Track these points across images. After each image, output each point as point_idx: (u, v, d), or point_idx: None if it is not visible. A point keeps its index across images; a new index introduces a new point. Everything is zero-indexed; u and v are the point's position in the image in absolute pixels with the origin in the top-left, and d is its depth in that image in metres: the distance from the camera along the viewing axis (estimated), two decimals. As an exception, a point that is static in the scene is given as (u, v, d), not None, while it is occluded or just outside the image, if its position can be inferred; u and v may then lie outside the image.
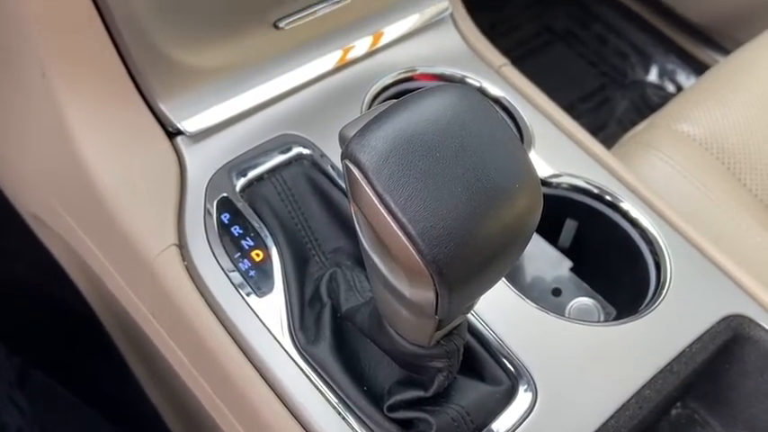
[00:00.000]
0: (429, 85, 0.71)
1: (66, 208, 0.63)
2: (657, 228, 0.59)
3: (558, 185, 0.63)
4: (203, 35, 0.57)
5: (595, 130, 1.55)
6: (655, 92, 1.55)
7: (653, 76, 1.56)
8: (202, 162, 0.58)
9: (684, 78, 1.55)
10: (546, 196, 0.62)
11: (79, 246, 0.64)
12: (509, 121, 0.67)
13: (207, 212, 0.56)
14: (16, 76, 0.57)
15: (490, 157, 0.34)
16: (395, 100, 0.40)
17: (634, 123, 1.56)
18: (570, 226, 0.65)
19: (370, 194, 0.33)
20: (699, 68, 1.53)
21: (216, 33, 0.58)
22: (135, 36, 0.53)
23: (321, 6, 0.63)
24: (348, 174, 0.34)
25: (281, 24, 0.61)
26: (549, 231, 0.64)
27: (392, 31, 0.69)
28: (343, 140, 0.37)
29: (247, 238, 0.55)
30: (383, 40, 0.69)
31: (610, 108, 1.53)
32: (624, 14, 1.60)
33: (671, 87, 1.55)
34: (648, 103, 1.54)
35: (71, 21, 0.51)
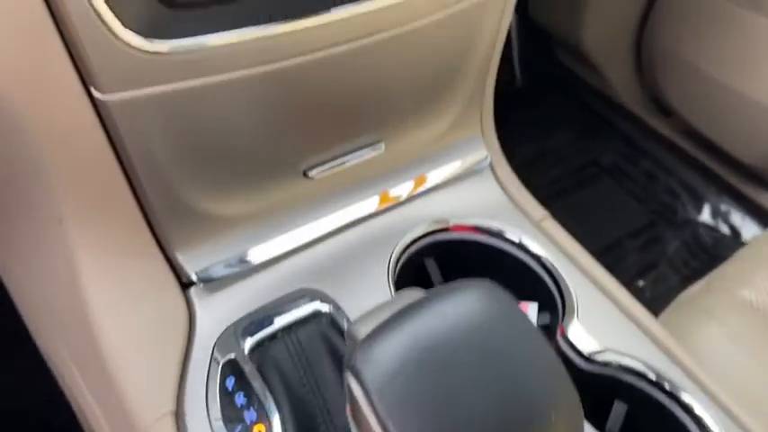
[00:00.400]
0: (464, 237, 0.67)
1: (70, 354, 0.59)
2: (722, 427, 0.51)
3: (605, 364, 0.56)
4: (228, 185, 0.55)
5: (645, 270, 1.47)
6: (708, 232, 1.47)
7: (705, 215, 1.50)
8: (214, 316, 0.55)
9: (739, 219, 1.48)
10: (592, 375, 0.55)
11: (78, 394, 0.59)
12: (550, 283, 0.62)
13: (210, 375, 0.51)
14: (32, 219, 0.55)
15: (519, 375, 0.29)
16: (414, 288, 0.36)
17: (686, 264, 1.47)
18: (619, 409, 0.57)
19: (372, 419, 0.28)
20: (754, 210, 1.46)
21: (241, 184, 0.56)
22: (157, 187, 0.51)
23: (353, 156, 0.61)
24: (349, 389, 0.29)
25: (311, 174, 0.59)
26: (595, 413, 0.56)
27: (426, 181, 0.67)
28: (352, 340, 0.32)
29: (251, 409, 0.50)
30: (416, 191, 0.66)
31: (661, 247, 1.46)
32: (673, 152, 1.57)
33: (725, 228, 1.47)
34: (701, 244, 1.46)
35: (92, 170, 0.50)
